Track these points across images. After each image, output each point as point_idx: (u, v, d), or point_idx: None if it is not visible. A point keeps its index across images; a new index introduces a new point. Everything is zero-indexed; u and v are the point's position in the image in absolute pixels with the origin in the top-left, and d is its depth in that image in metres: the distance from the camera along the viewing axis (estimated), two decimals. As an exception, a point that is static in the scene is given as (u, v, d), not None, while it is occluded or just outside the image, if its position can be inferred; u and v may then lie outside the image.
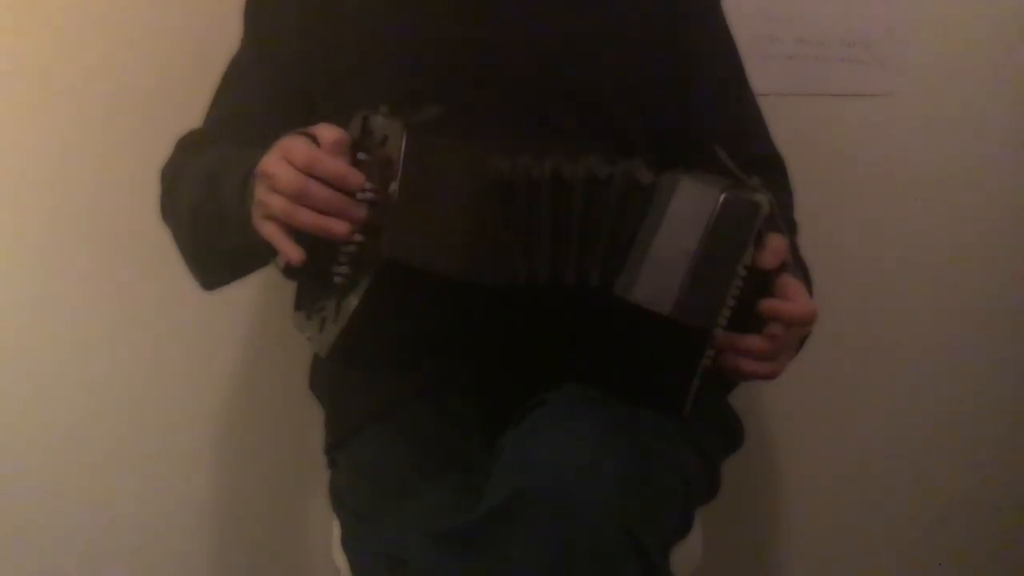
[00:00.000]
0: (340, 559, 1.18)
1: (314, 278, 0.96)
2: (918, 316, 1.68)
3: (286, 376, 1.51)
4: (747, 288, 0.94)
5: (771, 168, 1.28)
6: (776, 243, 0.97)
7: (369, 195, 0.90)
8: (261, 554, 1.64)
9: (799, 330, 1.01)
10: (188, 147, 1.21)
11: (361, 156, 0.92)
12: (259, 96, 1.18)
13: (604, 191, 0.95)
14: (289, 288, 1.52)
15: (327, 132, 0.93)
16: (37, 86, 1.46)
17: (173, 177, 1.18)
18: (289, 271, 0.95)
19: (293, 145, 0.92)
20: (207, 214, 1.07)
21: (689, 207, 0.93)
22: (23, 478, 1.56)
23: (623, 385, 1.00)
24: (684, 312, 0.91)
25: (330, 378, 1.26)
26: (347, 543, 1.15)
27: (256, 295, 1.55)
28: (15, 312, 1.52)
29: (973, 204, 1.66)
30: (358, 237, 0.91)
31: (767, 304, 0.98)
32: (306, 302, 1.01)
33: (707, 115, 1.22)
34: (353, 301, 0.92)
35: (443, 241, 0.92)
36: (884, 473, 1.72)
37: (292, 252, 0.92)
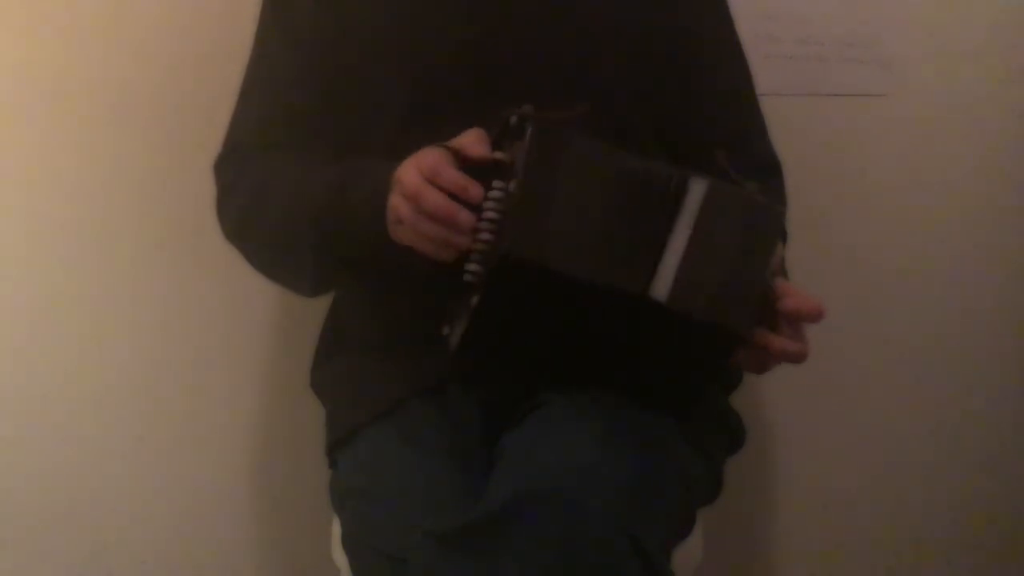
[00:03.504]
0: (340, 559, 1.18)
1: (451, 277, 0.96)
2: (918, 316, 1.68)
3: (286, 375, 1.51)
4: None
5: (770, 175, 1.27)
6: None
7: (497, 193, 0.92)
8: (261, 554, 1.64)
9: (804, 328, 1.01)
10: (246, 164, 1.19)
11: (498, 155, 0.94)
12: (295, 86, 1.18)
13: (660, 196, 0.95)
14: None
15: (467, 134, 0.97)
16: (47, 86, 1.46)
17: (254, 194, 1.16)
18: (428, 267, 0.97)
19: (425, 154, 0.96)
20: (341, 213, 1.07)
21: (716, 212, 0.93)
22: (30, 476, 1.56)
23: (636, 385, 0.99)
24: (717, 314, 0.91)
25: (332, 377, 1.26)
26: (347, 543, 1.15)
27: (256, 296, 1.55)
28: (26, 312, 1.52)
29: (973, 204, 1.66)
30: (485, 235, 0.92)
31: (790, 302, 0.97)
32: (445, 300, 1.01)
33: (710, 117, 1.22)
34: (474, 300, 0.93)
35: (566, 240, 0.91)
36: (884, 473, 1.72)
37: (441, 251, 0.95)
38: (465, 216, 0.93)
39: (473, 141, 0.97)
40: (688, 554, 1.16)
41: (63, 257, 1.51)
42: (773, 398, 1.67)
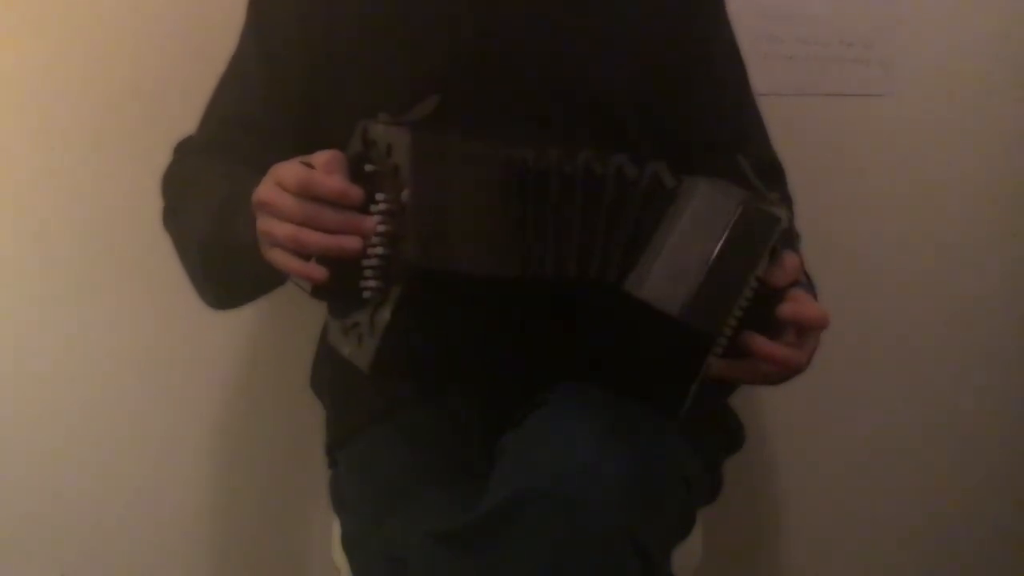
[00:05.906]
0: (340, 559, 1.18)
1: (343, 295, 0.95)
2: (917, 316, 1.68)
3: (286, 376, 1.51)
4: (755, 301, 0.94)
5: (772, 176, 1.27)
6: (791, 262, 0.98)
7: (384, 206, 0.90)
8: (261, 554, 1.64)
9: (812, 339, 1.01)
10: (189, 156, 1.20)
11: (368, 168, 0.92)
12: (258, 99, 1.17)
13: (630, 190, 0.95)
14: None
15: (320, 155, 0.93)
16: (38, 88, 1.46)
17: (177, 192, 1.17)
18: (316, 292, 0.95)
19: (284, 171, 0.92)
20: (221, 248, 1.06)
21: (708, 213, 0.93)
22: (22, 480, 1.56)
23: (621, 383, 0.99)
24: (692, 315, 0.91)
25: (331, 377, 1.26)
26: (347, 543, 1.15)
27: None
28: (15, 313, 1.52)
29: (973, 204, 1.66)
30: (379, 250, 0.90)
31: (786, 308, 0.97)
32: (340, 318, 0.99)
33: (708, 120, 1.22)
34: (385, 314, 0.91)
35: (466, 240, 0.91)
36: (884, 473, 1.73)
37: (313, 272, 0.92)
38: (367, 223, 0.90)
39: (325, 155, 0.93)
40: (688, 554, 1.16)
41: (61, 252, 1.51)
42: (773, 398, 1.67)
